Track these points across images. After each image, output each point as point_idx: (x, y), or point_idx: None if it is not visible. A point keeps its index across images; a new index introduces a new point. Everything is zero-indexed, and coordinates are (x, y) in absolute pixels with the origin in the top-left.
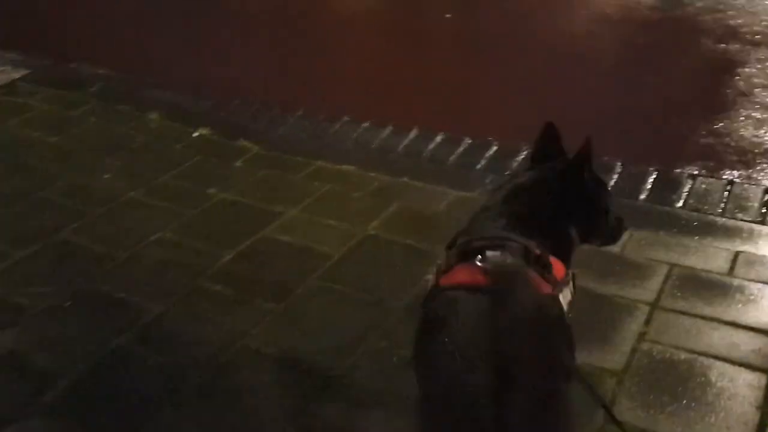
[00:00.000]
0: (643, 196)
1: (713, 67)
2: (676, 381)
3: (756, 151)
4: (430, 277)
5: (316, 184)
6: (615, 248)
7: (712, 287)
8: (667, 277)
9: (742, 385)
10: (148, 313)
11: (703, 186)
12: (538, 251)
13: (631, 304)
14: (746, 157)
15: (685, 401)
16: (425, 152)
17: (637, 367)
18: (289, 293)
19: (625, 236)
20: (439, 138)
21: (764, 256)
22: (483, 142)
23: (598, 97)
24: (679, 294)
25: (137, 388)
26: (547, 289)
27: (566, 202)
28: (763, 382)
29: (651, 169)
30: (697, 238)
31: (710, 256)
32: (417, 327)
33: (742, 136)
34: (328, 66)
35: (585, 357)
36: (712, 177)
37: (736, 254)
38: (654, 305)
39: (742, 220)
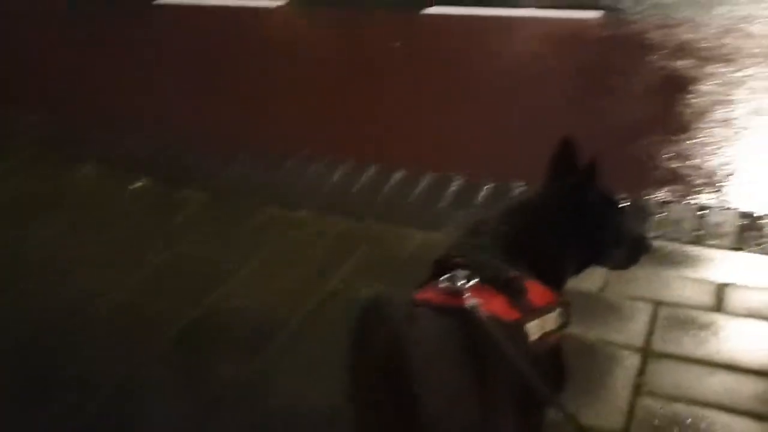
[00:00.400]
0: None
1: (668, 85)
2: None
3: (723, 172)
4: None
5: (271, 233)
6: (594, 287)
7: (702, 326)
8: (653, 317)
9: None
10: (94, 395)
11: (675, 213)
12: (512, 274)
13: (620, 351)
14: (714, 179)
15: None
16: (385, 190)
17: (639, 428)
18: (249, 366)
19: (603, 273)
20: (398, 174)
21: (748, 286)
22: (445, 177)
23: (554, 122)
24: (668, 336)
25: None
26: (510, 315)
27: (560, 225)
28: None
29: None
30: (677, 270)
31: (694, 291)
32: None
33: (706, 156)
34: (275, 101)
35: (580, 417)
36: (682, 203)
37: (721, 287)
38: (645, 351)
39: (719, 247)
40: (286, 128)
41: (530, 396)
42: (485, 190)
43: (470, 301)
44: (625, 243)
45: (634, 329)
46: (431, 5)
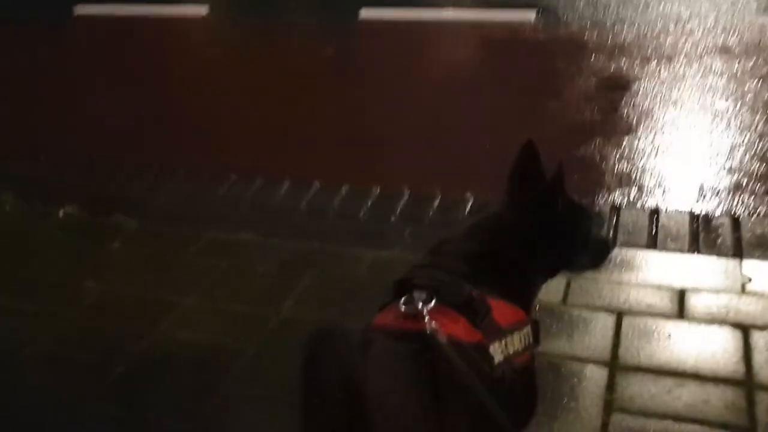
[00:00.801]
0: None
1: (610, 86)
2: None
3: (672, 173)
4: None
5: (212, 261)
6: (555, 298)
7: (667, 335)
8: (617, 328)
9: None
10: None
11: (628, 217)
12: (474, 294)
13: (586, 366)
14: (665, 181)
15: None
16: (332, 208)
17: None
18: (199, 409)
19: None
20: (344, 190)
21: (708, 290)
22: (393, 191)
23: (498, 129)
24: (634, 348)
25: None
26: (472, 337)
27: (526, 240)
28: None
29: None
30: (636, 276)
31: (655, 298)
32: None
33: (654, 158)
34: (203, 118)
35: None
36: (635, 207)
37: (682, 293)
38: (612, 365)
39: (675, 251)
40: (217, 147)
41: (492, 425)
42: (436, 203)
43: (429, 324)
44: (590, 247)
45: (599, 342)
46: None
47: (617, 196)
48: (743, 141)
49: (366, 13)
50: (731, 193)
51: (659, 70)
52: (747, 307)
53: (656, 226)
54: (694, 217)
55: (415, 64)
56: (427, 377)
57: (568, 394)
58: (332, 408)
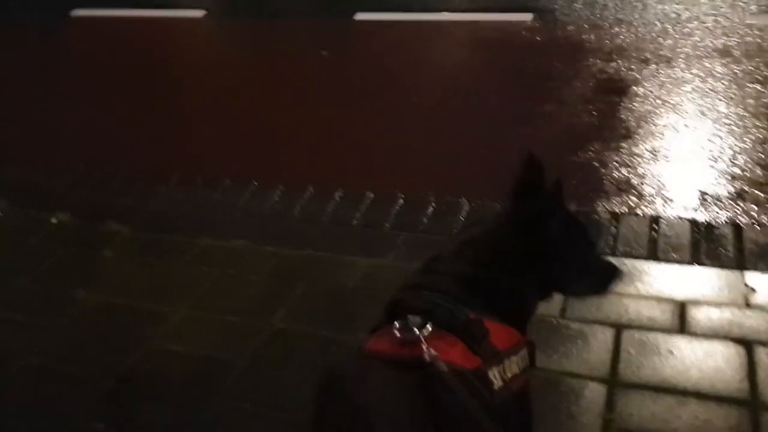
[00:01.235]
0: None
1: (608, 89)
2: None
3: (673, 180)
4: None
5: (204, 269)
6: (554, 311)
7: (668, 351)
8: (616, 343)
9: None
10: None
11: (627, 226)
12: (471, 317)
13: (585, 383)
14: (665, 188)
15: None
16: (325, 214)
17: None
18: (189, 424)
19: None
20: (337, 196)
21: (709, 303)
22: (387, 197)
23: (498, 132)
24: (634, 364)
25: None
26: (471, 362)
27: (523, 260)
28: None
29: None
30: (636, 288)
31: (655, 311)
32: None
33: (654, 164)
34: (200, 124)
35: None
36: (635, 215)
37: (683, 306)
38: (611, 382)
39: (676, 262)
40: (212, 152)
41: None
42: (430, 209)
43: (428, 351)
44: (591, 271)
45: (598, 357)
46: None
47: (616, 204)
48: (746, 147)
49: (362, 15)
50: (733, 201)
51: (658, 73)
52: (750, 322)
53: (657, 235)
54: (695, 226)
55: (411, 67)
56: (429, 409)
57: (565, 412)
58: None
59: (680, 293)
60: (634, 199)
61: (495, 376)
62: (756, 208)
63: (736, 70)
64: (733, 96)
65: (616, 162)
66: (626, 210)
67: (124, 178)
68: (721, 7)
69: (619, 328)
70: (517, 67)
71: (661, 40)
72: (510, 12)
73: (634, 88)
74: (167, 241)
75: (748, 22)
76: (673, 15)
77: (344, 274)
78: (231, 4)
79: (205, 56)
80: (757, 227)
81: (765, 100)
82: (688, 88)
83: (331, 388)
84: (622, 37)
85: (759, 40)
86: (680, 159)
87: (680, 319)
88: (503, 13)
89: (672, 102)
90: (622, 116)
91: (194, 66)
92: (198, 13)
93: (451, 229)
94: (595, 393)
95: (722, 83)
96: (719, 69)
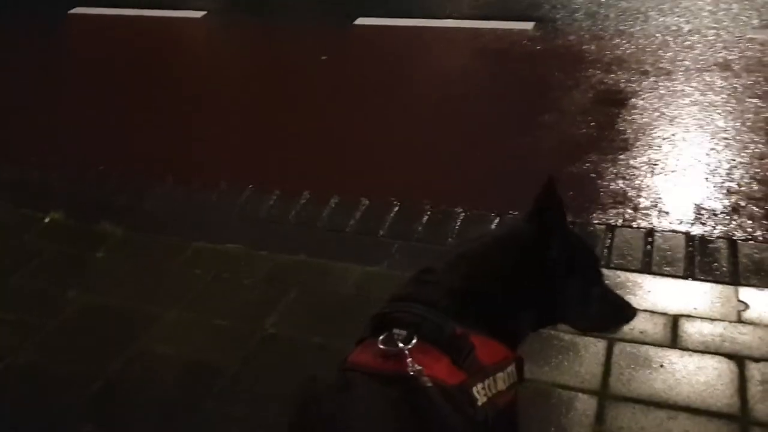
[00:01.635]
0: None
1: (607, 100)
2: None
3: (669, 193)
4: None
5: (198, 272)
6: None
7: (659, 364)
8: (608, 355)
9: None
10: None
11: (623, 238)
12: (457, 331)
13: (576, 395)
14: (661, 201)
15: None
16: (320, 220)
17: None
18: (178, 428)
19: None
20: (333, 202)
21: (702, 318)
22: (383, 204)
23: (496, 142)
24: (625, 377)
25: None
26: (454, 378)
27: (517, 280)
28: None
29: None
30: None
31: (649, 324)
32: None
33: (651, 177)
34: (197, 125)
35: None
36: (630, 227)
37: (675, 319)
38: (602, 394)
39: (670, 275)
40: (208, 154)
41: None
42: (425, 217)
43: (411, 366)
44: (598, 305)
45: (590, 370)
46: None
47: (612, 216)
48: (743, 161)
49: (363, 20)
50: (729, 215)
51: (658, 85)
52: (743, 337)
53: (651, 248)
54: (690, 240)
55: (410, 73)
56: (412, 423)
57: (555, 424)
58: None
59: (673, 307)
60: (629, 211)
61: (479, 392)
62: (751, 223)
63: (735, 85)
64: (731, 110)
65: (613, 174)
66: (621, 222)
67: (119, 178)
68: (723, 21)
69: (611, 341)
70: (517, 75)
71: (661, 52)
72: (511, 20)
73: (633, 99)
74: (161, 243)
75: (749, 36)
76: (674, 27)
77: (338, 281)
78: (231, 6)
79: (203, 58)
80: (752, 242)
81: (763, 115)
82: (687, 101)
83: (308, 408)
84: (622, 48)
85: (759, 55)
86: (677, 172)
87: (672, 333)
88: (504, 22)
89: (670, 115)
90: (621, 128)
91: (192, 67)
92: (197, 14)
93: (446, 238)
94: (585, 405)
95: (721, 97)
96: (719, 83)
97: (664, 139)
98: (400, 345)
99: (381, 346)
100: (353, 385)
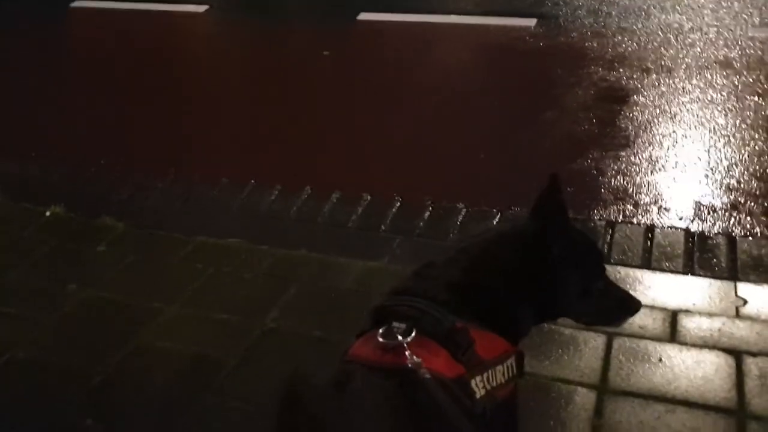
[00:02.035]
0: None
1: (609, 97)
2: None
3: (669, 189)
4: None
5: (199, 266)
6: None
7: (658, 359)
8: (607, 350)
9: None
10: None
11: (623, 234)
12: (457, 325)
13: (575, 389)
14: (661, 198)
15: None
16: (321, 216)
17: None
18: (177, 423)
19: None
20: (334, 197)
21: (701, 313)
22: (384, 200)
23: (498, 138)
24: (624, 371)
25: None
26: (453, 371)
27: (516, 273)
28: None
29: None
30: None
31: (648, 320)
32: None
33: (651, 174)
34: (199, 120)
35: None
36: (630, 223)
37: (674, 314)
38: (601, 389)
39: (670, 271)
40: (210, 150)
41: None
42: (427, 213)
43: (410, 359)
44: (601, 299)
45: (589, 364)
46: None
47: (613, 212)
48: (742, 158)
49: (365, 15)
50: (728, 212)
51: (659, 83)
52: (741, 332)
53: (651, 244)
54: (689, 236)
55: (412, 69)
56: (410, 415)
57: (555, 417)
58: None
59: (672, 302)
60: (630, 207)
61: (477, 385)
62: (750, 219)
63: (736, 82)
64: (732, 108)
65: (614, 170)
66: (622, 218)
67: (120, 172)
68: (724, 19)
69: (611, 336)
70: (519, 72)
71: (663, 50)
72: (514, 17)
73: (635, 97)
74: (162, 238)
75: (750, 34)
76: (676, 25)
77: (339, 276)
78: (233, 1)
79: (205, 52)
80: (751, 238)
81: (763, 113)
82: (687, 98)
83: (296, 405)
84: (624, 45)
85: (760, 53)
86: (677, 169)
87: (671, 328)
88: (507, 18)
89: (671, 112)
90: (622, 125)
91: (194, 62)
92: (200, 8)
93: (447, 234)
94: (584, 399)
95: (722, 95)
96: (719, 81)
97: (664, 136)
98: (399, 338)
99: (380, 339)
100: (352, 377)
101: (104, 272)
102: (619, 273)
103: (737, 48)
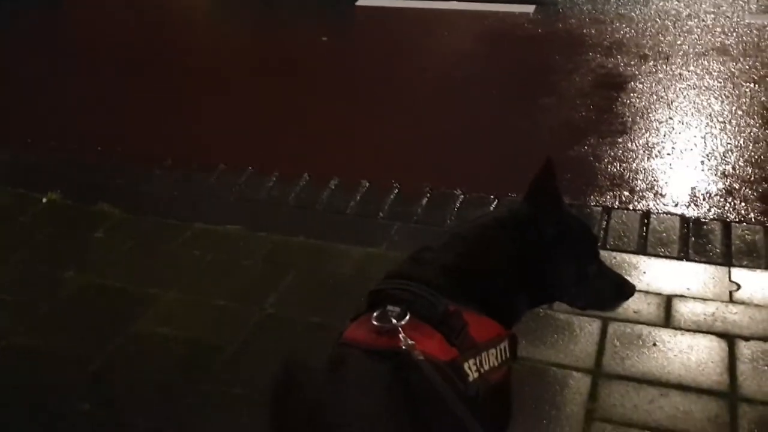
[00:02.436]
0: None
1: (606, 83)
2: None
3: (665, 176)
4: None
5: (196, 253)
6: None
7: (652, 343)
8: (602, 335)
9: None
10: None
11: (619, 220)
12: (450, 308)
13: (570, 373)
14: (657, 184)
15: None
16: (320, 202)
17: None
18: (175, 408)
19: None
20: (332, 184)
21: (695, 298)
22: (382, 186)
23: (495, 124)
24: (619, 356)
25: None
26: (447, 354)
27: (510, 257)
28: None
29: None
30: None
31: (643, 304)
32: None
33: (648, 160)
34: (197, 107)
35: None
36: (626, 209)
37: (669, 299)
38: (595, 373)
39: (665, 256)
40: (208, 136)
41: None
42: (425, 199)
43: (404, 342)
44: (596, 284)
45: (584, 349)
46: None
47: (609, 198)
48: (738, 144)
49: (364, 1)
50: (723, 197)
51: (656, 69)
52: (734, 317)
53: (647, 230)
54: (684, 222)
55: (411, 55)
56: (404, 396)
57: (549, 401)
58: None
59: (667, 287)
60: (626, 193)
61: (470, 367)
62: (745, 205)
63: (732, 69)
64: (728, 94)
65: (611, 156)
66: (618, 204)
67: (118, 159)
68: (721, 6)
69: (606, 321)
70: (518, 58)
71: (660, 36)
72: (513, 3)
73: (632, 83)
74: (160, 224)
75: (747, 21)
76: (674, 12)
77: (337, 262)
78: None
79: (203, 38)
80: (745, 224)
81: (759, 100)
82: (684, 85)
83: (288, 383)
84: (622, 32)
85: (757, 40)
86: (673, 155)
87: (666, 313)
88: (506, 4)
89: (668, 98)
90: (619, 111)
91: (192, 48)
92: None
93: (445, 220)
94: (579, 383)
95: (718, 81)
96: (716, 67)
97: (661, 122)
98: (394, 321)
99: (375, 323)
100: (346, 360)
101: (102, 259)
102: (614, 259)
103: (734, 35)
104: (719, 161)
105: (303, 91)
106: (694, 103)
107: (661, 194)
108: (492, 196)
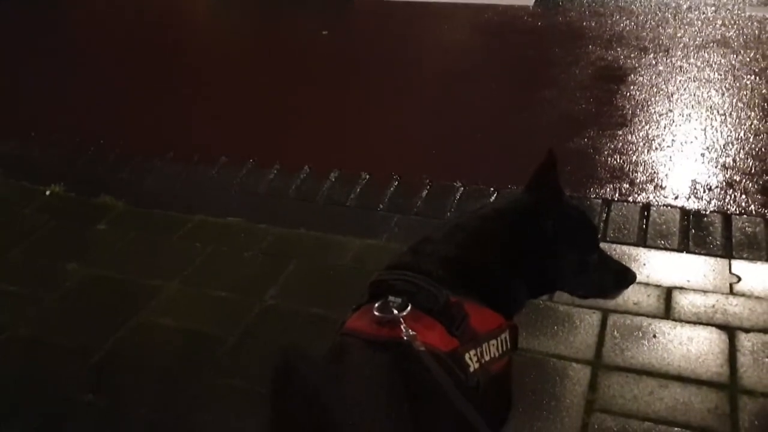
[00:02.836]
0: None
1: (606, 76)
2: None
3: (665, 168)
4: None
5: (198, 245)
6: None
7: (652, 335)
8: (602, 326)
9: None
10: None
11: (619, 212)
12: (451, 299)
13: (570, 365)
14: (657, 176)
15: None
16: (320, 194)
17: None
18: (178, 399)
19: None
20: (333, 176)
21: (695, 290)
22: (383, 178)
23: (495, 117)
24: (619, 347)
25: None
26: (448, 345)
27: (510, 248)
28: None
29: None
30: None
31: (643, 296)
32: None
33: (648, 152)
34: (198, 100)
35: None
36: (626, 201)
37: (669, 291)
38: (595, 364)
39: (665, 248)
40: (209, 129)
41: None
42: (425, 191)
43: (405, 333)
44: (597, 273)
45: (584, 340)
46: None
47: (609, 190)
48: (738, 137)
49: None
50: (723, 190)
51: (656, 62)
52: (734, 308)
53: (647, 222)
54: (685, 214)
55: (411, 49)
56: (404, 386)
57: (549, 393)
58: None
59: (667, 279)
60: (626, 185)
61: (471, 358)
62: (745, 197)
63: (733, 61)
64: (728, 87)
65: (611, 149)
66: (618, 196)
67: (120, 152)
68: None
69: (606, 312)
70: (517, 51)
71: (660, 29)
72: None
73: (632, 76)
74: (161, 216)
75: (747, 13)
76: (674, 4)
77: (337, 254)
78: None
79: (204, 32)
80: (745, 216)
81: (760, 92)
82: (684, 77)
83: (289, 373)
84: (622, 24)
85: (757, 32)
86: (673, 147)
87: (666, 305)
88: None
89: (668, 91)
90: (619, 104)
91: (193, 42)
92: None
93: (445, 212)
94: (579, 374)
95: (719, 74)
96: (717, 60)
97: (661, 115)
98: (395, 312)
99: (376, 313)
100: (348, 350)
101: (104, 251)
102: (614, 251)
103: (734, 27)
104: (719, 153)
105: (304, 84)
106: (694, 95)
107: (661, 186)
108: (492, 189)
